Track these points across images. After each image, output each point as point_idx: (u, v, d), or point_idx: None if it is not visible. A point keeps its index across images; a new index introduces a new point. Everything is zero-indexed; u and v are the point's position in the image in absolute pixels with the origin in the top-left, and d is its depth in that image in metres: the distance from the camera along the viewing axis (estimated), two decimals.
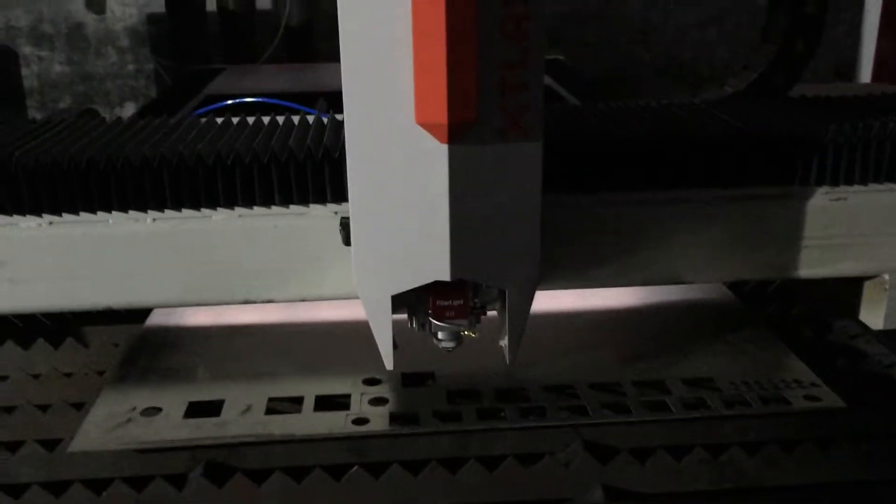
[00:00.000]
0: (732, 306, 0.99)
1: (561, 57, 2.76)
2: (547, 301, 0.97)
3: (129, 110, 3.50)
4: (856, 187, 0.85)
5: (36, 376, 0.87)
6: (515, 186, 0.70)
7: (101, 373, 0.87)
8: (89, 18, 3.49)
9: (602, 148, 0.85)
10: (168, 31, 3.27)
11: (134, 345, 0.91)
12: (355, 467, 0.71)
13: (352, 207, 0.70)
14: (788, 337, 0.93)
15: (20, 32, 3.48)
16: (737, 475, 0.73)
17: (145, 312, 0.99)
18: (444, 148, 0.66)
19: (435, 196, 0.68)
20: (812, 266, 0.87)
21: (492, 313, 0.76)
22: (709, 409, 0.78)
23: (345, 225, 0.76)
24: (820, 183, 0.86)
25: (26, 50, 3.51)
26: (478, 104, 0.63)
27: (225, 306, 0.96)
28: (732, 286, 1.04)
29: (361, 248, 0.72)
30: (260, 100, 1.18)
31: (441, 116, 0.64)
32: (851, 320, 0.95)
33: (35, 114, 3.56)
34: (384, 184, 0.68)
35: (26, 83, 3.55)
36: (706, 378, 0.83)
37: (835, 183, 0.85)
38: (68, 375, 0.88)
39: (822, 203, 0.86)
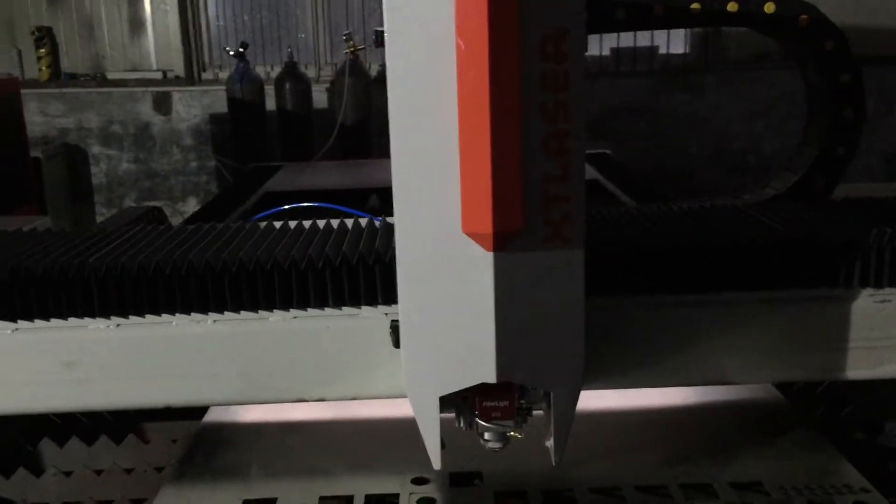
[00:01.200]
0: (780, 407, 0.99)
1: (608, 151, 2.80)
2: (593, 400, 0.98)
3: (191, 205, 3.63)
4: None
5: (98, 472, 0.91)
6: (559, 292, 0.72)
7: (159, 469, 0.90)
8: (156, 119, 3.67)
9: (647, 252, 0.87)
10: (229, 131, 3.41)
11: (191, 442, 0.95)
12: None
13: (401, 311, 0.73)
14: (838, 439, 0.92)
15: (91, 133, 3.67)
16: None
17: (203, 409, 1.02)
18: (490, 256, 0.69)
19: (481, 301, 0.71)
20: (857, 368, 0.87)
21: (538, 412, 0.78)
22: None
23: (395, 328, 0.79)
24: (864, 285, 0.86)
25: (96, 149, 3.69)
26: (523, 215, 0.66)
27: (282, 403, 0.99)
28: (780, 386, 1.03)
29: (410, 351, 0.74)
30: (315, 204, 1.24)
31: (487, 227, 0.67)
32: None
33: (102, 209, 3.71)
34: (432, 289, 0.71)
35: (95, 180, 3.72)
36: (755, 482, 0.83)
37: (878, 285, 0.86)
38: (129, 471, 0.91)
39: (866, 305, 0.86)
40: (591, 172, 2.42)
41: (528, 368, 0.73)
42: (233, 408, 1.02)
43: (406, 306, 0.73)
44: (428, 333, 0.73)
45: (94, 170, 3.71)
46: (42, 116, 3.65)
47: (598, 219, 0.98)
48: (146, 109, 3.66)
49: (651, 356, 0.88)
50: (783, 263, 0.86)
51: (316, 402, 0.90)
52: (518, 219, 0.67)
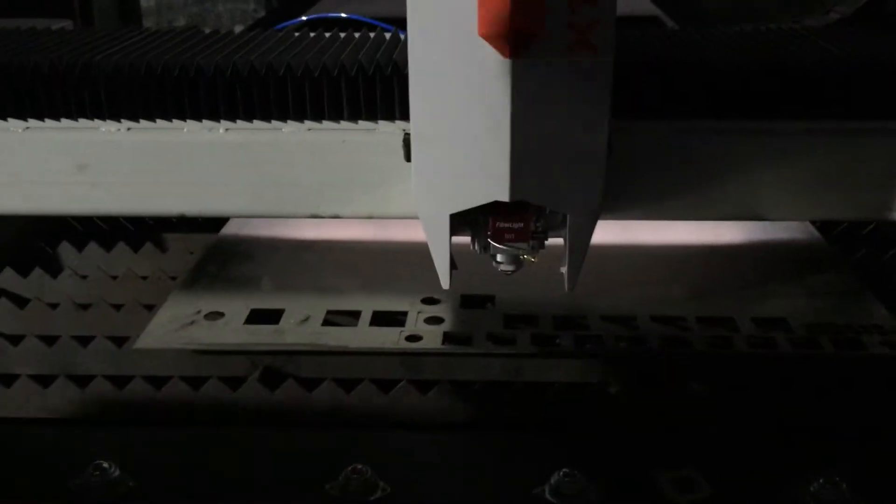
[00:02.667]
0: (818, 248, 0.94)
1: None
2: (622, 234, 0.95)
3: None
4: None
5: (114, 277, 0.91)
6: (582, 106, 0.67)
7: (173, 277, 0.90)
8: None
9: (683, 73, 0.81)
10: None
11: (206, 252, 0.94)
12: (403, 382, 0.71)
13: (413, 123, 0.69)
14: (877, 283, 0.88)
15: None
16: (799, 416, 0.69)
17: (222, 222, 1.01)
18: (507, 63, 0.64)
19: (496, 113, 0.66)
20: None
21: (558, 241, 0.74)
22: (776, 348, 0.74)
23: (407, 141, 0.75)
24: None
25: None
26: (543, 16, 0.61)
27: (301, 222, 0.98)
28: (822, 228, 0.98)
29: (421, 165, 0.71)
30: (337, 15, 1.17)
31: (504, 28, 0.61)
32: None
33: None
34: (445, 100, 0.67)
35: (143, 4, 3.65)
36: (779, 318, 0.79)
37: None
38: (144, 278, 0.91)
39: None
40: (652, 9, 2.30)
41: (543, 189, 0.69)
42: (252, 222, 1.01)
43: (417, 117, 0.69)
44: (439, 147, 0.69)
45: None
46: None
47: (633, 38, 0.91)
48: None
49: (680, 186, 0.83)
50: (835, 90, 0.79)
51: (337, 223, 0.88)
52: (539, 20, 0.61)
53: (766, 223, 0.96)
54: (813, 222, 0.99)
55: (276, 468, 0.62)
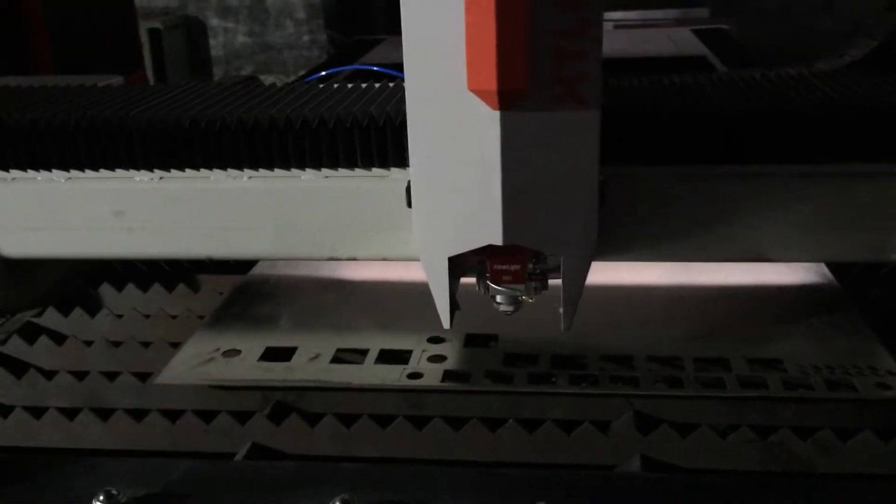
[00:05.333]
0: (828, 290, 0.94)
1: (725, 26, 2.65)
2: (621, 273, 0.97)
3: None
4: None
5: (147, 316, 0.97)
6: (571, 154, 0.70)
7: (201, 316, 0.95)
8: None
9: (680, 119, 0.83)
10: (338, 3, 3.41)
11: (232, 293, 0.99)
12: (399, 418, 0.75)
13: (412, 171, 0.73)
14: (889, 326, 0.88)
15: (209, 5, 3.74)
16: (786, 459, 0.70)
17: (252, 263, 1.07)
18: (497, 114, 0.68)
19: (488, 161, 0.70)
20: None
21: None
22: (767, 390, 0.75)
23: (409, 188, 0.79)
24: None
25: (214, 22, 3.77)
26: (531, 72, 0.64)
27: (326, 262, 1.02)
28: (837, 271, 0.98)
29: (420, 211, 0.75)
30: (361, 67, 1.23)
31: (491, 84, 0.65)
32: None
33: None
34: (440, 148, 0.71)
35: (213, 53, 3.82)
36: (774, 359, 0.80)
37: None
38: (174, 317, 0.96)
39: None
40: (699, 48, 2.31)
41: (536, 232, 0.73)
42: (279, 263, 1.06)
43: (416, 166, 0.73)
44: (436, 193, 0.73)
45: (212, 42, 3.79)
46: None
47: (642, 85, 0.93)
48: None
49: (681, 228, 0.85)
50: (830, 134, 0.80)
51: (362, 263, 0.92)
52: (525, 75, 0.65)
53: (780, 265, 0.97)
54: (828, 264, 0.99)
55: (275, 498, 0.66)
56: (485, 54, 0.64)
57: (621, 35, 2.65)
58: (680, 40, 2.42)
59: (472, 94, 0.67)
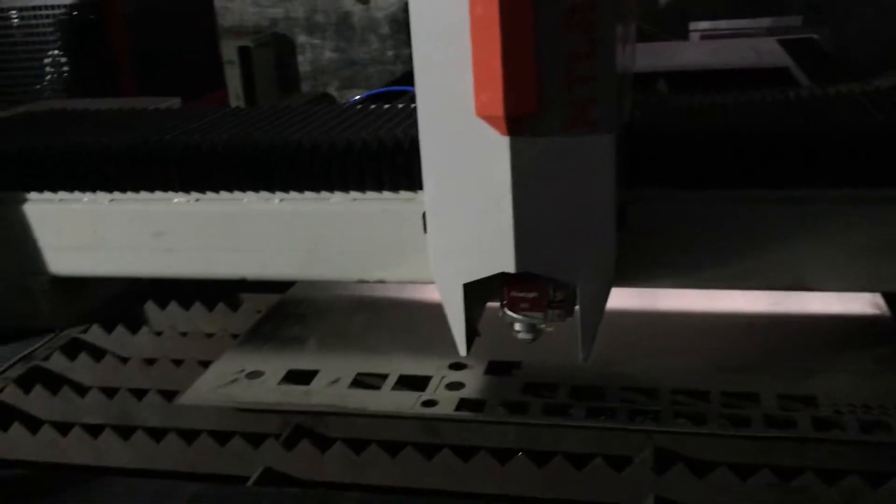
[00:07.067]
0: (879, 322, 0.88)
1: (815, 35, 2.55)
2: (668, 301, 0.93)
3: None
4: None
5: (183, 334, 0.99)
6: (584, 179, 0.68)
7: (235, 335, 0.97)
8: (356, 8, 3.76)
9: (713, 141, 0.80)
10: None
11: (267, 313, 1.00)
12: (408, 446, 0.74)
13: (426, 197, 0.73)
14: None
15: (296, 23, 3.83)
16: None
17: (292, 283, 1.08)
18: (506, 140, 0.66)
19: (499, 187, 0.69)
20: None
21: None
22: (794, 429, 0.71)
23: (424, 214, 0.78)
24: None
25: (301, 39, 3.85)
26: (539, 96, 0.63)
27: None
28: (893, 301, 0.92)
29: (436, 237, 0.74)
30: (400, 88, 1.23)
31: (498, 109, 0.64)
32: None
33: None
34: (452, 174, 0.70)
35: (301, 69, 3.90)
36: (808, 396, 0.75)
37: None
38: (209, 336, 0.98)
39: None
40: (783, 59, 2.23)
41: (550, 259, 0.71)
42: (317, 284, 1.06)
43: (430, 192, 0.72)
44: (450, 220, 0.72)
45: (300, 59, 3.87)
46: (255, 7, 3.85)
47: (674, 104, 0.90)
48: None
49: (713, 255, 0.82)
50: (873, 157, 0.76)
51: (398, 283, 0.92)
52: (532, 100, 0.63)
53: (831, 294, 0.91)
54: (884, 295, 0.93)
55: None
56: (491, 79, 0.63)
57: (705, 46, 2.58)
58: (764, 51, 2.33)
59: (481, 121, 0.66)
